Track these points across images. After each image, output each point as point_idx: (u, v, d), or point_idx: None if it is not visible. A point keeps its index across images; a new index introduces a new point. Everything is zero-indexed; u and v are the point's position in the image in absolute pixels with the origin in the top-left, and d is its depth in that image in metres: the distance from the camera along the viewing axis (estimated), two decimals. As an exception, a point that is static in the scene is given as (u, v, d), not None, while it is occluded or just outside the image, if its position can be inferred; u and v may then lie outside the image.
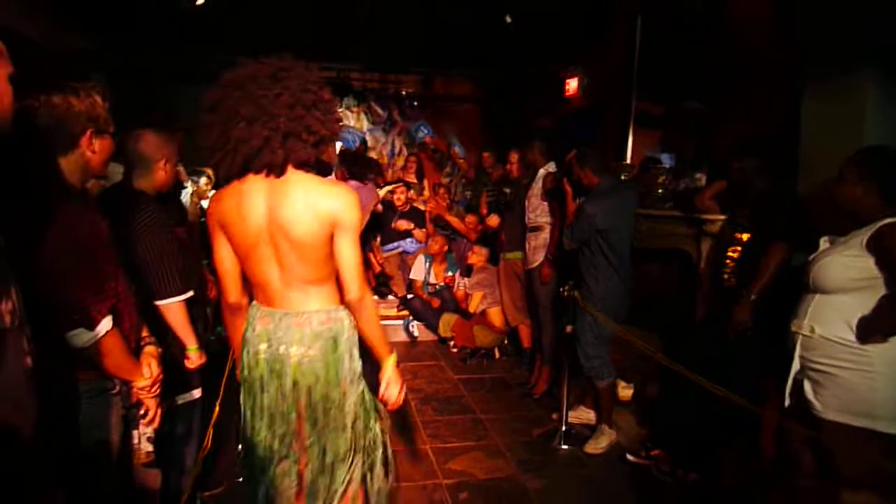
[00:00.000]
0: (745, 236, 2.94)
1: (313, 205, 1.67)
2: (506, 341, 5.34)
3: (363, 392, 1.88)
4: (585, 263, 3.55)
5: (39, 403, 1.12)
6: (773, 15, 3.40)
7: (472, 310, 5.28)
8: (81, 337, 1.53)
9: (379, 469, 1.91)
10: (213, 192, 5.11)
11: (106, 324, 1.57)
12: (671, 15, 4.77)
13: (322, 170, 2.30)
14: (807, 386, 2.13)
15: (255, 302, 1.87)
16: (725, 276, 2.96)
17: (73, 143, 1.60)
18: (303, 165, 1.72)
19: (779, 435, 2.54)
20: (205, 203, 4.93)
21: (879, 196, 2.00)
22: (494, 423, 3.89)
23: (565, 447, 3.55)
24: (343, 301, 1.81)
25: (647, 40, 5.18)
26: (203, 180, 4.85)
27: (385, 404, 1.92)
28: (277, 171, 1.67)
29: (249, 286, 1.86)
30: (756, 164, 2.93)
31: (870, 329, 1.93)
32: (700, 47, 4.25)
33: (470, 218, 5.99)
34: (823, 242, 2.25)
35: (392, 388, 1.89)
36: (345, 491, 1.83)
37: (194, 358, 2.39)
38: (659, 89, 5.27)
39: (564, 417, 3.65)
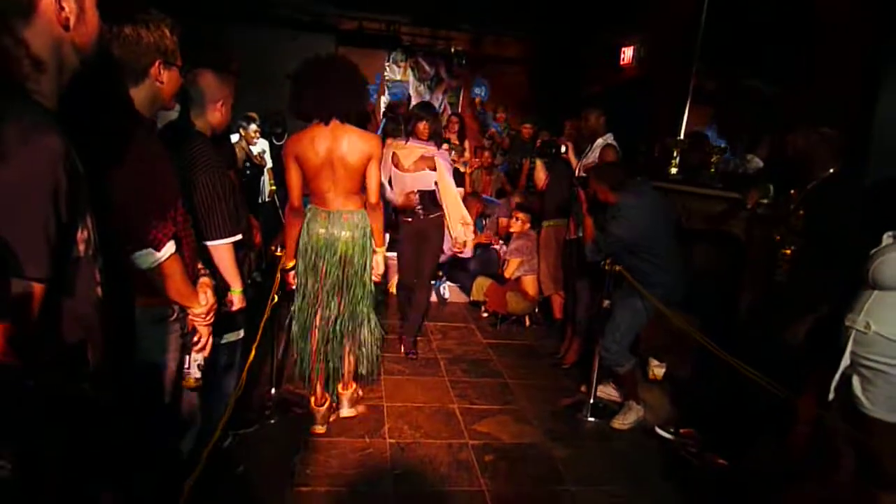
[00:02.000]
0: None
1: (356, 145, 2.85)
2: (536, 310, 5.32)
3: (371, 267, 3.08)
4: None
5: (106, 332, 1.15)
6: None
7: (507, 275, 5.26)
8: (148, 258, 1.60)
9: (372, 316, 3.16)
10: (260, 139, 5.18)
11: (170, 247, 1.64)
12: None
13: (361, 124, 3.10)
14: (855, 382, 2.07)
15: (312, 205, 2.99)
16: (784, 267, 2.81)
17: (143, 74, 1.63)
18: (347, 119, 2.86)
19: (815, 428, 2.49)
20: (254, 149, 4.97)
21: None
22: (522, 389, 3.91)
23: (592, 419, 3.56)
24: (365, 206, 2.99)
25: (712, 12, 4.97)
26: (252, 126, 4.88)
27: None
28: (326, 119, 2.81)
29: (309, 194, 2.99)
30: (819, 140, 2.69)
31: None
32: (770, 23, 4.06)
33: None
34: (887, 238, 2.16)
35: (379, 264, 3.10)
36: (360, 323, 3.09)
37: (237, 301, 2.43)
38: (717, 64, 5.08)
39: (593, 390, 3.65)
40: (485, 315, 5.39)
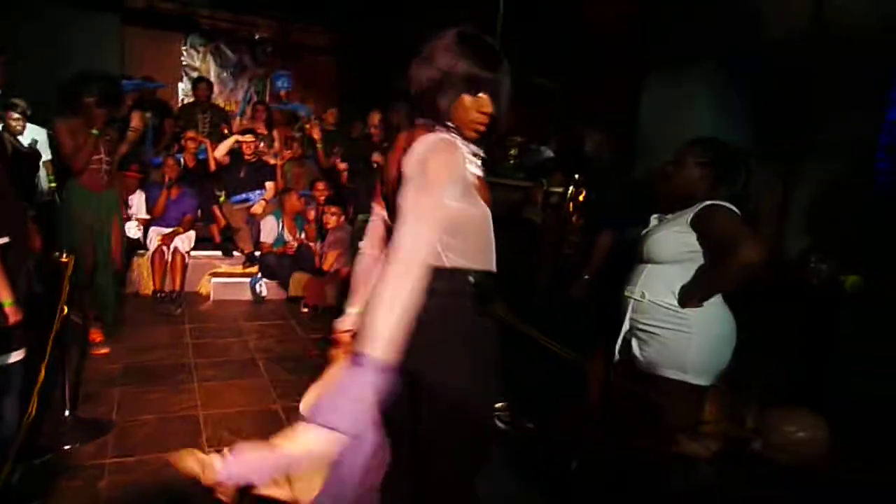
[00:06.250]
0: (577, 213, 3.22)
1: None
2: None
3: None
4: None
5: None
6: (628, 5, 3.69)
7: (326, 268, 5.22)
8: None
9: None
10: (33, 126, 4.50)
11: None
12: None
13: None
14: (634, 344, 2.40)
15: None
16: (571, 240, 3.23)
17: None
18: None
19: (606, 387, 2.85)
20: (26, 140, 4.30)
21: (712, 182, 2.29)
22: (346, 381, 3.92)
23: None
24: None
25: (508, 11, 5.33)
26: (14, 115, 4.21)
27: None
28: None
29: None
30: (600, 140, 3.18)
31: (689, 295, 2.22)
32: (560, 27, 4.48)
33: (320, 185, 5.86)
34: (654, 219, 2.53)
35: None
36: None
37: (10, 314, 2.13)
38: (513, 62, 5.48)
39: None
40: (305, 310, 5.30)
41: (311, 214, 5.81)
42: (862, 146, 3.27)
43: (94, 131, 3.81)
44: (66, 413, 2.97)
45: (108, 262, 4.06)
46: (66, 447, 2.84)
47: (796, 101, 3.24)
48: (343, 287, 5.15)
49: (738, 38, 3.04)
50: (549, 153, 5.07)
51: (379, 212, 1.73)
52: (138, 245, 5.43)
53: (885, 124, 3.46)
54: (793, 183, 3.32)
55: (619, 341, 2.49)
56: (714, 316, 2.24)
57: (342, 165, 5.72)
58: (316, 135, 6.26)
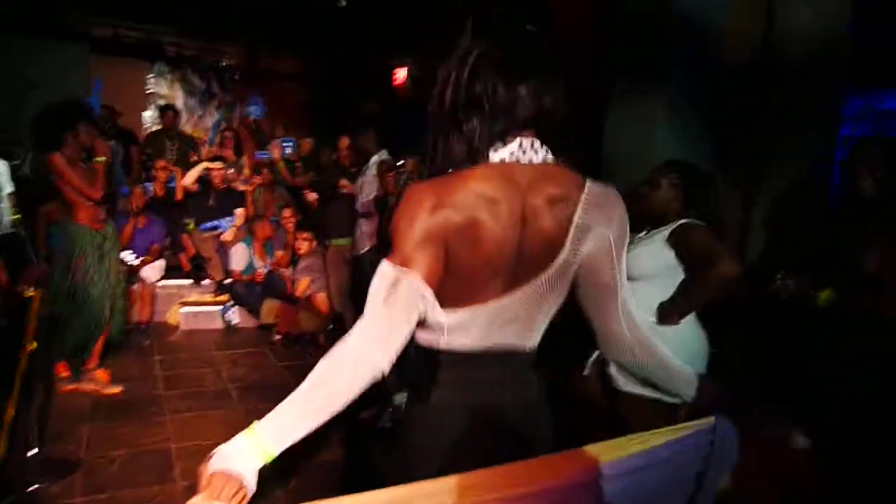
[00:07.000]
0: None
1: None
2: (332, 327, 5.32)
3: None
4: None
5: None
6: (591, 28, 3.80)
7: (299, 294, 5.18)
8: None
9: None
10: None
11: None
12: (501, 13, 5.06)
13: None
14: (612, 363, 2.44)
15: None
16: None
17: None
18: None
19: (583, 404, 2.89)
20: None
21: (684, 202, 2.37)
22: (322, 408, 3.88)
23: (392, 425, 3.66)
24: None
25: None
26: None
27: None
28: None
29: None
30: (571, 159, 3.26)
31: (668, 311, 2.28)
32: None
33: (287, 212, 5.85)
34: (626, 238, 2.59)
35: None
36: None
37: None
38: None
39: (391, 398, 3.76)
40: (277, 337, 5.24)
41: (290, 239, 5.77)
42: (818, 161, 3.41)
43: (101, 158, 3.56)
44: (33, 451, 2.88)
45: (101, 301, 3.72)
46: (33, 487, 2.75)
47: (753, 121, 3.37)
48: (315, 312, 5.11)
49: (695, 63, 3.17)
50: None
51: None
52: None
53: (839, 140, 3.62)
54: (752, 199, 3.44)
55: (594, 356, 2.52)
56: (688, 334, 2.30)
57: (312, 196, 5.73)
58: (276, 154, 6.27)
